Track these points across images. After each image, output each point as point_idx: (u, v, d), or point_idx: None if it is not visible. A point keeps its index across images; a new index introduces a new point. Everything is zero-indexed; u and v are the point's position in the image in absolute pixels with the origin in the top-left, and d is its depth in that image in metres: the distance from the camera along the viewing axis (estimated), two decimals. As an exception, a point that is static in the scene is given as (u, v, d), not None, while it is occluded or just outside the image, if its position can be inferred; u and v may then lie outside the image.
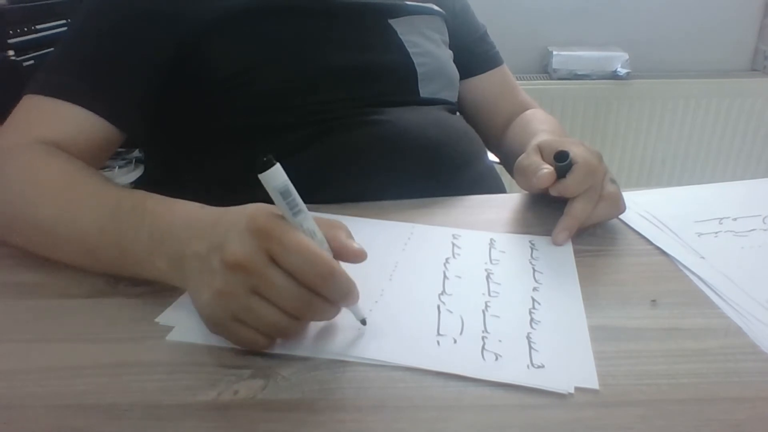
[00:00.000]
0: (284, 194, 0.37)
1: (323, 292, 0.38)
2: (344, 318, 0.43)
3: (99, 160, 0.63)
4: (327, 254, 0.38)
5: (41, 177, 0.54)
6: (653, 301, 0.46)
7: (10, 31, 1.11)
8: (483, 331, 0.42)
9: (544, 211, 0.60)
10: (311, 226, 0.39)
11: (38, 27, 1.18)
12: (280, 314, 0.38)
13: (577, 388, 0.37)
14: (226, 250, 0.37)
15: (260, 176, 0.37)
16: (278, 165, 0.37)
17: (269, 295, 0.37)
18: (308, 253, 0.37)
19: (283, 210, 0.38)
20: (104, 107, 0.61)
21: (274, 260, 0.37)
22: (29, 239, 0.53)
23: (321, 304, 0.38)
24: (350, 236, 0.41)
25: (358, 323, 0.43)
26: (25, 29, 1.15)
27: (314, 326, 0.43)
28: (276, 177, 0.37)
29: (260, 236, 0.37)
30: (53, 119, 0.59)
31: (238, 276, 0.37)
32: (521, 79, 1.81)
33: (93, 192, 0.52)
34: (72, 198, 0.52)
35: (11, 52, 1.11)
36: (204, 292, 0.39)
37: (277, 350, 0.40)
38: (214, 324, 0.39)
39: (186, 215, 0.44)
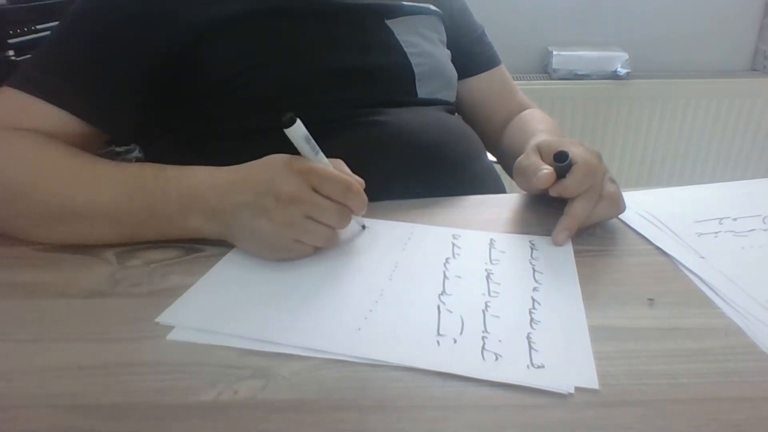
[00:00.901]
0: (307, 140, 0.49)
1: (353, 204, 0.50)
2: (344, 318, 0.44)
3: None
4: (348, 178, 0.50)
5: (48, 156, 0.55)
6: (650, 300, 0.46)
7: (10, 31, 1.11)
8: (483, 331, 0.42)
9: (544, 211, 0.60)
10: (327, 162, 0.51)
11: (38, 27, 1.18)
12: (325, 228, 0.50)
13: (577, 388, 0.37)
14: (280, 190, 0.48)
15: (287, 130, 0.47)
16: (299, 119, 0.47)
17: (318, 215, 0.49)
18: (339, 179, 0.49)
19: (307, 153, 0.49)
20: (81, 108, 0.61)
21: (316, 190, 0.48)
22: (35, 217, 0.54)
23: (349, 213, 0.51)
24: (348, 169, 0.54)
25: (358, 324, 0.43)
26: (25, 29, 1.15)
27: (315, 325, 0.43)
28: (300, 128, 0.48)
29: (302, 174, 0.48)
30: (30, 115, 0.59)
31: (294, 207, 0.48)
32: (521, 79, 1.81)
33: (109, 168, 0.56)
34: (90, 174, 0.54)
35: (11, 52, 1.11)
36: (265, 228, 0.49)
37: (276, 350, 0.40)
38: (277, 249, 0.51)
39: (207, 178, 0.53)
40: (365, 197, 0.52)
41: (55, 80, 0.61)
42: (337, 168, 0.52)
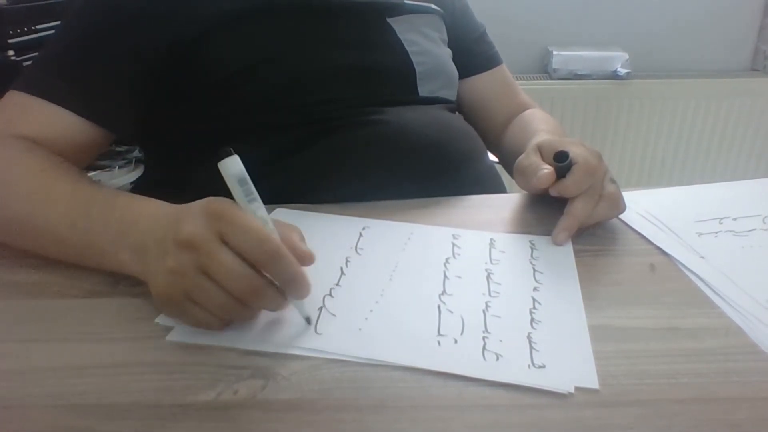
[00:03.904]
0: (241, 182, 0.39)
1: (269, 271, 0.39)
2: (345, 318, 0.43)
3: (82, 159, 0.63)
4: (276, 237, 0.39)
5: (16, 172, 0.55)
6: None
7: (10, 31, 1.11)
8: (484, 331, 0.42)
9: (544, 211, 0.60)
10: (264, 216, 0.40)
11: (38, 27, 1.18)
12: (226, 296, 0.39)
13: (577, 388, 0.37)
14: (179, 230, 0.39)
15: (219, 164, 0.39)
16: (236, 155, 0.39)
17: (216, 273, 0.38)
18: (257, 232, 0.38)
19: (239, 198, 0.40)
20: (88, 109, 0.61)
21: (224, 241, 0.38)
22: (2, 229, 0.54)
23: (266, 289, 0.39)
24: (302, 239, 0.43)
25: (358, 324, 0.43)
26: (25, 29, 1.15)
27: (315, 325, 0.43)
28: (233, 165, 0.39)
29: (213, 217, 0.39)
30: (35, 118, 0.60)
31: (188, 254, 0.39)
32: (521, 79, 1.80)
33: (67, 189, 0.53)
34: (45, 194, 0.53)
35: (11, 52, 1.11)
36: (159, 273, 0.40)
37: (276, 350, 0.40)
38: (167, 303, 0.41)
39: (153, 210, 0.46)
40: (295, 267, 0.39)
41: (56, 80, 0.61)
42: (284, 234, 0.41)
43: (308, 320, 0.42)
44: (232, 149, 0.39)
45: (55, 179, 0.54)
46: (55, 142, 0.59)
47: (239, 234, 0.38)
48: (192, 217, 0.40)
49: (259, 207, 0.40)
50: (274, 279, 0.40)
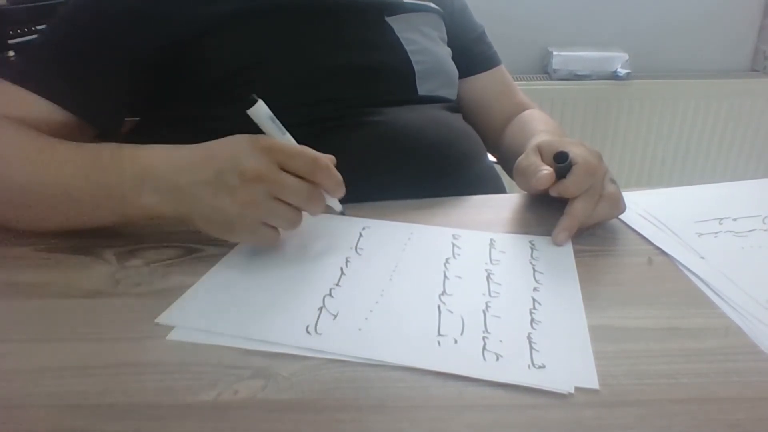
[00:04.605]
0: (272, 119, 0.49)
1: (323, 182, 0.49)
2: (345, 318, 0.44)
3: None
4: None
5: (13, 141, 0.55)
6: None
7: (10, 31, 1.11)
8: (484, 332, 0.42)
9: (544, 211, 0.60)
10: (294, 142, 0.50)
11: (38, 27, 1.18)
12: (292, 210, 0.48)
13: (577, 388, 0.37)
14: (245, 168, 0.46)
15: (250, 111, 0.47)
16: (261, 100, 0.48)
17: (285, 195, 0.47)
18: (307, 155, 0.48)
19: (273, 132, 0.49)
20: (69, 99, 0.61)
21: (281, 168, 0.47)
22: (4, 203, 0.54)
23: (321, 194, 0.50)
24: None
25: (358, 324, 0.43)
26: (25, 29, 1.15)
27: (315, 325, 0.43)
28: (263, 107, 0.48)
29: (267, 152, 0.47)
30: (20, 107, 0.60)
31: (259, 186, 0.47)
32: (521, 80, 1.80)
33: (70, 149, 0.55)
34: (50, 155, 0.54)
35: (11, 52, 1.11)
36: (228, 208, 0.47)
37: (276, 350, 0.40)
38: (240, 231, 0.49)
39: (165, 156, 0.51)
40: (337, 174, 0.50)
41: (42, 71, 0.62)
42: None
43: (343, 212, 0.55)
44: (254, 95, 0.47)
45: (54, 143, 0.55)
46: (39, 129, 0.59)
47: (294, 161, 0.47)
48: (249, 155, 0.47)
49: (289, 137, 0.50)
50: (326, 187, 0.50)
